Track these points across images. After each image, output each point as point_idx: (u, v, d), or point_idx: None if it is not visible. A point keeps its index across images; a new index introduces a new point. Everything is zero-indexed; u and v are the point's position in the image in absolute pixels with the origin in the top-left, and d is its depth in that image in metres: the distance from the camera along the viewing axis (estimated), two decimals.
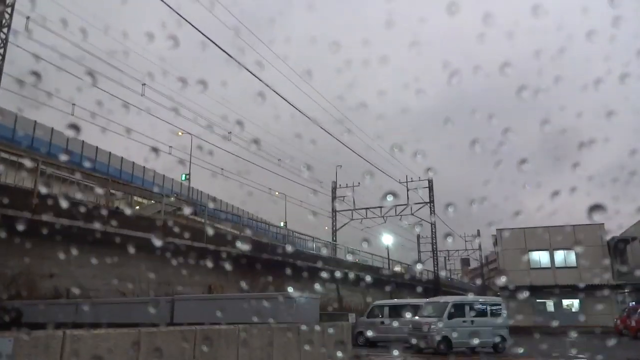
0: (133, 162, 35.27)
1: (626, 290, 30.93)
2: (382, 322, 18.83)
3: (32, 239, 11.62)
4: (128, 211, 17.43)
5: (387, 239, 42.42)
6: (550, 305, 31.82)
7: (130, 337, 4.65)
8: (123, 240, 12.90)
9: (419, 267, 39.41)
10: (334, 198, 40.90)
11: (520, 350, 15.01)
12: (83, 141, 30.30)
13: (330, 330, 8.40)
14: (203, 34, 13.55)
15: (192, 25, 13.22)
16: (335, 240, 38.54)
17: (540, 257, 32.78)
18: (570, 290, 30.00)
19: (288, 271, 20.58)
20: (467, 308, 15.87)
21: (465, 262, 74.29)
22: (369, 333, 18.39)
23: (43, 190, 13.91)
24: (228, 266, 16.26)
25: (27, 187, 14.80)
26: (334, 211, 40.87)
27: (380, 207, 38.58)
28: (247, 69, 15.88)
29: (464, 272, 79.45)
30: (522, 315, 23.67)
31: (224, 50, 14.62)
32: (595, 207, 3.05)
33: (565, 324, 24.71)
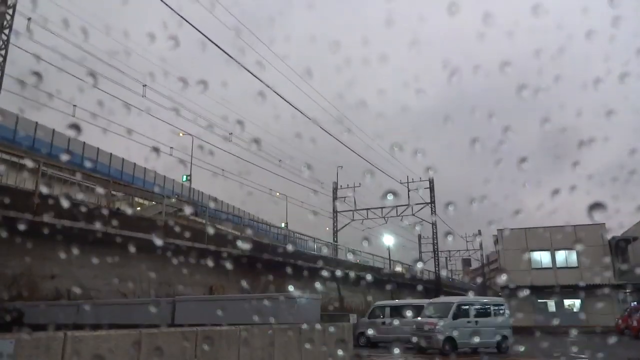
0: (134, 164, 35.32)
1: (627, 290, 30.90)
2: (384, 323, 18.81)
3: (33, 240, 11.64)
4: (129, 212, 17.44)
5: (388, 240, 42.43)
6: (551, 305, 31.80)
7: (131, 338, 4.65)
8: (124, 241, 12.92)
9: (419, 265, 39.36)
10: (334, 199, 40.90)
11: (522, 349, 15.02)
12: (84, 142, 30.35)
13: (332, 330, 8.40)
14: (204, 34, 13.56)
15: (193, 26, 13.24)
16: (336, 241, 38.54)
17: (542, 257, 32.78)
18: (572, 290, 29.98)
19: (289, 272, 20.59)
20: (470, 308, 15.90)
21: (466, 262, 74.22)
22: (371, 333, 18.38)
23: (44, 191, 13.93)
24: (229, 266, 16.28)
25: (29, 188, 14.81)
26: (334, 212, 40.86)
27: (382, 207, 38.61)
28: (248, 70, 15.89)
29: (465, 272, 79.37)
30: (524, 315, 23.67)
31: (224, 51, 14.63)
32: (596, 206, 3.05)
33: (567, 323, 24.71)
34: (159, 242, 11.83)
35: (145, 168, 35.90)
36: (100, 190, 17.65)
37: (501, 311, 16.42)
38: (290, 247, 28.04)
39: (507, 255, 33.43)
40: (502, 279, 29.72)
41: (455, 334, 14.66)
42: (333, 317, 16.21)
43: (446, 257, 62.12)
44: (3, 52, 15.34)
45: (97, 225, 13.28)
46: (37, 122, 28.00)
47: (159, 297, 14.89)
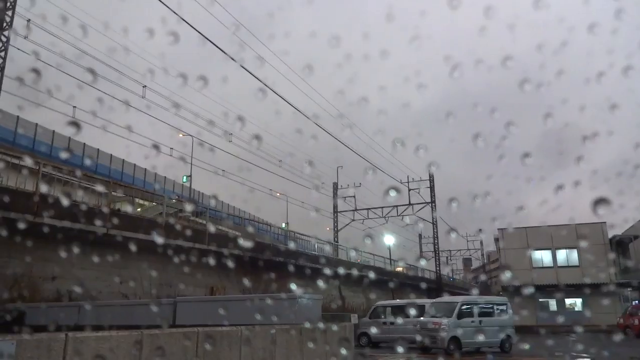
0: (134, 164, 35.33)
1: (629, 289, 30.90)
2: (385, 322, 18.80)
3: (34, 240, 11.63)
4: (130, 213, 17.44)
5: (389, 239, 42.43)
6: (553, 304, 31.80)
7: (132, 339, 4.64)
8: (125, 242, 12.90)
9: (422, 262, 39.32)
10: (335, 198, 40.90)
11: (526, 347, 15.01)
12: (84, 143, 30.34)
13: (333, 330, 8.39)
14: (202, 34, 13.56)
15: (190, 25, 13.23)
16: (337, 241, 38.53)
17: (543, 256, 32.76)
18: (573, 289, 29.98)
19: (290, 271, 20.58)
20: (474, 307, 15.91)
21: (467, 261, 74.28)
22: (372, 332, 18.37)
23: (45, 192, 13.93)
24: (230, 267, 16.25)
25: (29, 189, 14.80)
26: (335, 211, 40.87)
27: (382, 207, 38.63)
28: (246, 69, 15.87)
29: (466, 271, 79.39)
30: (526, 314, 23.66)
31: (222, 50, 14.62)
32: (600, 201, 3.01)
33: (568, 322, 24.71)
34: (159, 240, 11.80)
35: (145, 169, 35.94)
36: (99, 187, 17.62)
37: (504, 310, 16.43)
38: (291, 247, 28.03)
39: (508, 255, 33.41)
40: (506, 276, 29.68)
41: (459, 333, 14.67)
42: (334, 316, 16.20)
43: (447, 256, 62.18)
44: (3, 54, 15.32)
45: (98, 226, 13.28)
46: (37, 124, 28.02)
47: (160, 297, 14.88)
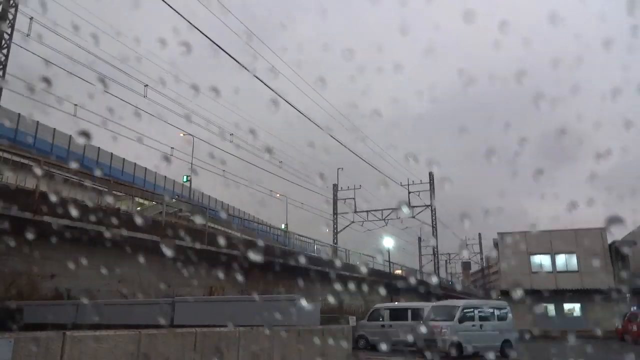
0: (135, 164, 35.33)
1: (628, 295, 30.86)
2: (383, 325, 18.77)
3: (33, 239, 11.62)
4: (129, 212, 17.43)
5: (388, 242, 42.39)
6: (551, 309, 31.75)
7: (130, 339, 4.64)
8: (124, 241, 12.90)
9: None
10: (335, 200, 40.87)
11: (525, 353, 14.98)
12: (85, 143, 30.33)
13: (331, 332, 8.38)
14: (215, 43, 13.54)
15: (204, 34, 13.21)
16: (336, 243, 38.51)
17: (542, 261, 32.72)
18: (572, 295, 29.94)
19: (289, 273, 20.56)
20: (475, 311, 15.91)
21: (466, 265, 74.24)
22: (370, 336, 18.34)
23: (44, 190, 13.93)
24: (229, 268, 16.23)
25: (28, 187, 14.80)
26: (335, 213, 40.84)
27: (382, 209, 38.62)
28: (257, 77, 15.88)
29: (464, 275, 79.33)
30: (523, 319, 23.63)
31: (234, 59, 14.61)
32: (613, 220, 3.01)
33: (567, 327, 24.64)
34: (161, 245, 11.81)
35: (145, 168, 35.93)
36: (93, 186, 17.63)
37: (505, 315, 16.44)
38: (290, 249, 28.01)
39: (507, 259, 33.38)
40: (502, 282, 29.66)
41: (461, 337, 14.65)
42: (332, 318, 16.18)
43: (446, 260, 62.14)
44: (1, 72, 15.32)
45: (97, 226, 13.27)
46: (38, 122, 28.02)
47: (158, 297, 14.86)
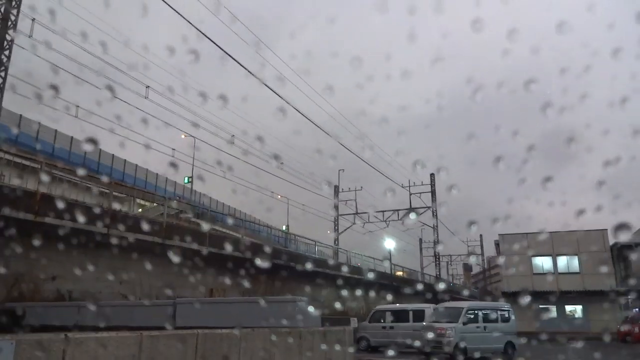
0: (136, 165, 35.35)
1: (629, 297, 30.79)
2: (385, 327, 18.75)
3: (35, 241, 11.64)
4: (131, 214, 17.45)
5: (390, 244, 42.39)
6: (553, 311, 31.69)
7: (132, 341, 4.64)
8: (125, 243, 12.93)
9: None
10: (336, 202, 40.86)
11: (528, 355, 14.96)
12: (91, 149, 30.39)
13: (332, 334, 8.38)
14: (225, 50, 13.61)
15: (213, 42, 13.26)
16: (338, 244, 38.50)
17: (543, 263, 32.68)
18: (573, 296, 29.89)
19: (290, 275, 20.55)
20: (479, 313, 15.92)
21: (467, 267, 74.14)
22: (371, 337, 18.32)
23: (46, 191, 13.95)
24: (230, 269, 16.24)
25: (30, 188, 14.83)
26: (336, 215, 40.84)
27: (383, 211, 38.59)
28: (265, 83, 15.90)
29: (466, 277, 79.23)
30: (525, 320, 23.57)
31: (243, 66, 14.68)
32: (621, 226, 3.02)
33: (568, 329, 24.60)
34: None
35: (147, 170, 35.94)
36: (97, 188, 17.64)
37: (507, 317, 16.44)
38: (291, 251, 28.00)
39: (508, 261, 33.35)
40: (504, 284, 29.60)
41: (465, 339, 14.63)
42: (334, 320, 16.16)
43: (447, 262, 62.11)
44: (3, 73, 15.35)
45: (99, 227, 13.30)
46: (39, 123, 28.05)
47: (159, 298, 14.87)
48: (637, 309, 28.02)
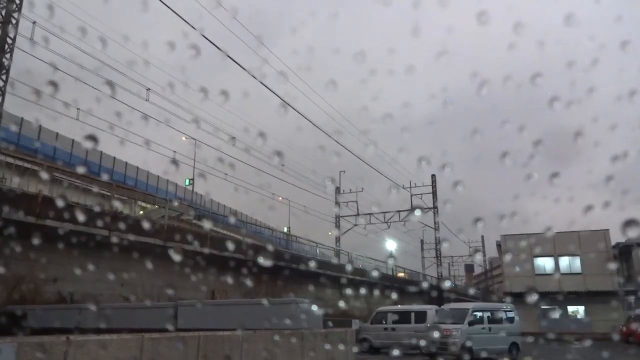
0: (137, 167, 35.35)
1: (632, 296, 30.71)
2: (387, 328, 18.71)
3: (36, 243, 11.63)
4: (132, 216, 17.44)
5: (391, 245, 42.35)
6: (555, 311, 31.62)
7: (133, 343, 4.62)
8: (127, 245, 12.90)
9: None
10: (337, 203, 40.83)
11: (532, 355, 14.92)
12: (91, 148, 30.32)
13: (334, 335, 8.36)
14: (222, 50, 13.56)
15: (211, 42, 13.23)
16: (339, 246, 38.47)
17: (545, 263, 32.62)
18: (576, 297, 29.82)
19: (292, 276, 20.51)
20: (484, 314, 15.91)
21: (469, 268, 74.05)
22: (373, 339, 18.27)
23: (47, 194, 13.95)
24: (232, 270, 16.22)
25: (32, 191, 14.83)
26: (337, 216, 40.83)
27: (384, 212, 38.54)
28: (263, 83, 15.89)
29: (467, 278, 79.14)
30: (527, 321, 23.52)
31: (241, 66, 14.63)
32: (630, 222, 2.97)
33: (570, 330, 24.54)
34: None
35: (148, 172, 35.94)
36: (98, 189, 17.64)
37: (511, 317, 16.44)
38: (293, 252, 27.97)
39: (510, 262, 33.29)
40: (506, 285, 29.53)
41: (471, 340, 14.62)
42: (336, 321, 16.13)
43: (449, 263, 62.03)
44: (4, 76, 15.35)
45: (100, 229, 13.28)
46: (40, 125, 28.09)
47: (161, 300, 14.86)
48: (639, 309, 27.91)
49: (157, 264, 14.19)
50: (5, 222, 10.99)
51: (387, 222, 39.20)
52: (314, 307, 10.11)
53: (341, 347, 8.22)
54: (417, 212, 35.30)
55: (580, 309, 31.35)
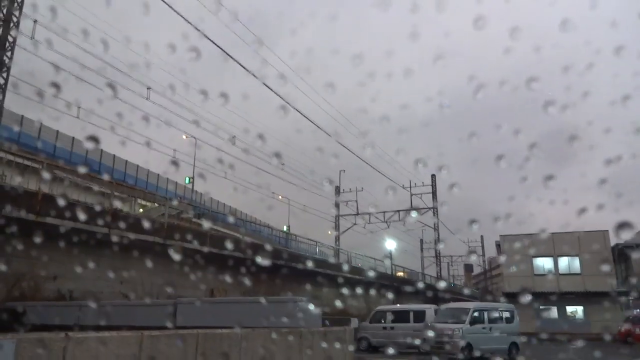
0: (137, 165, 35.37)
1: (631, 298, 30.74)
2: (385, 327, 18.75)
3: (36, 240, 11.67)
4: (132, 214, 17.48)
5: (390, 244, 42.40)
6: (554, 312, 31.65)
7: (133, 340, 4.66)
8: (126, 243, 12.94)
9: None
10: (337, 202, 40.88)
11: (531, 355, 14.96)
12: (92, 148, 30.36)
13: (333, 334, 8.39)
14: (224, 50, 13.63)
15: (213, 42, 13.27)
16: (339, 245, 38.50)
17: (544, 263, 32.64)
18: (574, 297, 29.85)
19: (291, 275, 20.56)
20: (485, 314, 15.97)
21: (468, 267, 74.08)
22: (372, 338, 18.32)
23: (47, 191, 13.99)
24: (231, 269, 16.27)
25: (32, 188, 14.87)
26: (337, 215, 40.85)
27: (384, 212, 38.58)
28: (264, 83, 15.92)
29: (467, 278, 79.16)
30: (526, 321, 23.57)
31: (242, 66, 14.70)
32: (623, 225, 3.01)
33: (569, 330, 24.59)
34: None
35: (148, 170, 35.96)
36: (97, 188, 17.67)
37: (511, 317, 16.49)
38: (292, 250, 28.02)
39: (509, 262, 33.31)
40: (505, 285, 29.55)
41: (472, 340, 14.66)
42: (334, 320, 16.16)
43: (448, 262, 62.07)
44: (5, 74, 15.37)
45: (100, 227, 13.32)
46: (41, 123, 28.10)
47: (160, 298, 14.90)
48: (638, 310, 27.94)
49: (157, 262, 14.24)
50: (7, 220, 11.03)
51: (386, 222, 39.26)
52: (313, 306, 10.14)
53: (339, 345, 8.25)
54: (414, 214, 35.40)
55: (579, 310, 31.38)
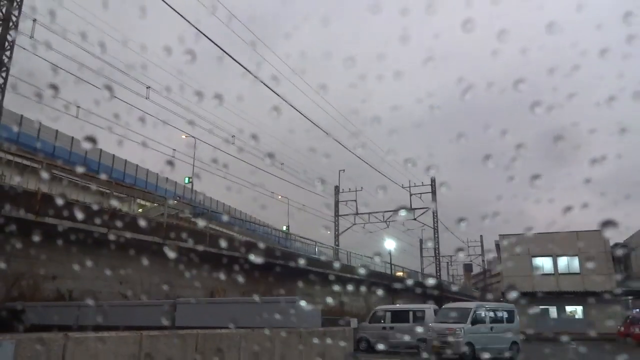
0: (137, 165, 35.35)
1: (630, 297, 30.78)
2: (385, 327, 18.74)
3: (35, 240, 11.67)
4: (131, 214, 17.47)
5: (390, 244, 42.39)
6: (553, 311, 31.68)
7: (132, 340, 4.66)
8: (125, 243, 12.93)
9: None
10: (336, 202, 40.85)
11: (531, 355, 14.97)
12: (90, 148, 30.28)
13: (332, 334, 8.39)
14: (222, 49, 13.61)
15: (210, 39, 13.27)
16: (338, 245, 38.50)
17: (543, 263, 32.66)
18: (573, 297, 29.88)
19: (291, 275, 20.56)
20: (486, 314, 15.97)
21: (467, 267, 74.13)
22: (371, 338, 18.31)
23: (47, 191, 13.97)
24: (230, 269, 16.27)
25: (31, 188, 14.86)
26: (336, 215, 40.82)
27: (383, 211, 38.57)
28: (262, 81, 15.92)
29: (466, 277, 79.21)
30: (525, 321, 23.60)
31: (240, 64, 14.68)
32: (607, 223, 3.02)
33: (568, 330, 24.59)
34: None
35: (147, 170, 35.94)
36: (95, 187, 17.66)
37: (512, 317, 16.50)
38: (292, 250, 28.03)
39: (508, 262, 33.34)
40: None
41: (474, 339, 14.66)
42: (334, 320, 16.16)
43: (447, 262, 62.09)
44: (4, 74, 15.35)
45: (99, 227, 13.31)
46: (40, 123, 28.08)
47: (159, 299, 14.88)
48: (637, 310, 28.01)
49: (155, 262, 14.25)
50: (6, 220, 11.02)
51: (386, 222, 39.26)
52: (312, 306, 10.15)
53: (339, 345, 8.26)
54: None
55: (579, 309, 31.41)
